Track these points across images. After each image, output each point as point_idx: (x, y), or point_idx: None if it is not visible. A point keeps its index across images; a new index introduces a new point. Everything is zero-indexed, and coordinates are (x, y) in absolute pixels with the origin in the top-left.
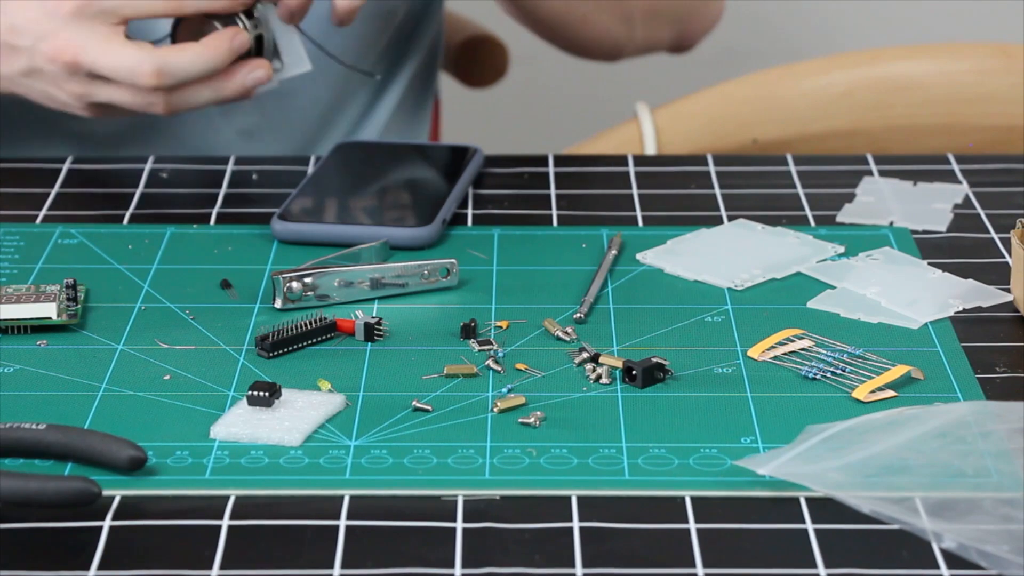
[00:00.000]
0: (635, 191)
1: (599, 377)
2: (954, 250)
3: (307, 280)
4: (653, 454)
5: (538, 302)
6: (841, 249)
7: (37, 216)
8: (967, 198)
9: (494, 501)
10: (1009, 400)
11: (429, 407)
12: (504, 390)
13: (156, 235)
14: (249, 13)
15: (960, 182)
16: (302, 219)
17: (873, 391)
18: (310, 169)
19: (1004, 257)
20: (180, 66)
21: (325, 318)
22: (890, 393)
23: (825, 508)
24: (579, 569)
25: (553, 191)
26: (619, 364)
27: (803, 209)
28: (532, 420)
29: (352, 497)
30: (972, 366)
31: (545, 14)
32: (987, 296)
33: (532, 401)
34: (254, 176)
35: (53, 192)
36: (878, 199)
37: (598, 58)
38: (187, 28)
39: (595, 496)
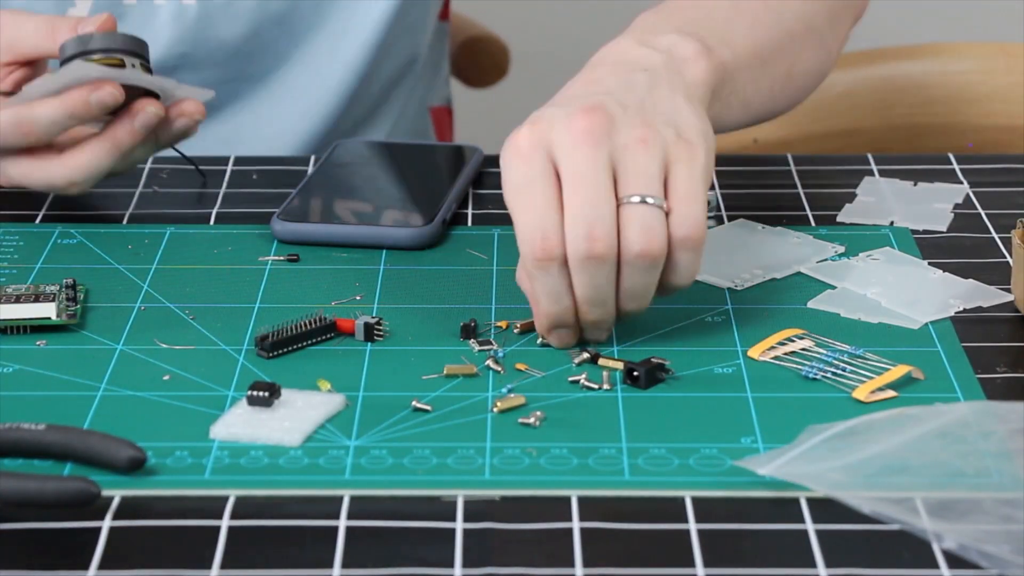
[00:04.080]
0: None
1: (599, 384)
2: (954, 250)
3: None
4: (653, 454)
5: None
6: (841, 249)
7: (36, 216)
8: (968, 198)
9: (494, 501)
10: (1010, 400)
11: (429, 407)
12: (504, 390)
13: (156, 235)
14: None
15: (961, 182)
16: (302, 219)
17: (873, 391)
18: (310, 169)
19: (1005, 257)
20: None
21: (325, 318)
22: (890, 393)
23: (825, 508)
24: (579, 569)
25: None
26: (620, 366)
27: (803, 209)
28: (532, 420)
29: (352, 497)
30: (973, 366)
31: (758, 113)
32: (988, 296)
33: (532, 401)
34: (254, 176)
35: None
36: (878, 199)
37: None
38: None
39: (595, 496)
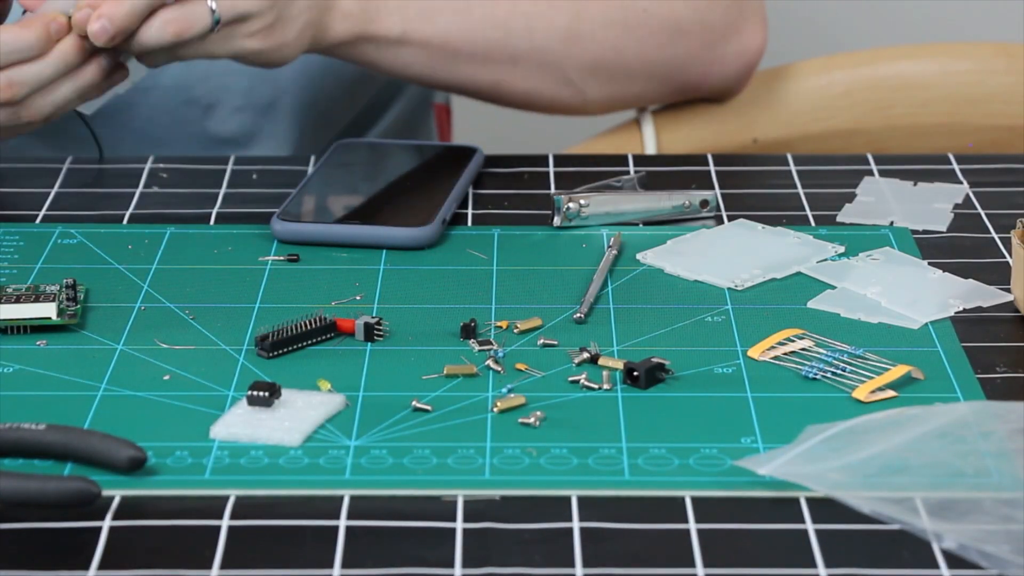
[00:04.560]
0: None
1: (599, 384)
2: (954, 250)
3: (582, 202)
4: (653, 454)
5: (538, 302)
6: (841, 249)
7: (37, 216)
8: (967, 198)
9: (494, 501)
10: (1009, 400)
11: (429, 407)
12: (504, 390)
13: (156, 235)
14: None
15: (960, 182)
16: (302, 219)
17: (873, 391)
18: (310, 169)
19: (1004, 257)
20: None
21: (325, 318)
22: (890, 393)
23: (825, 508)
24: (579, 569)
25: (553, 191)
26: (620, 366)
27: (803, 209)
28: (532, 420)
29: (352, 497)
30: (972, 366)
31: (446, 89)
32: (987, 296)
33: (532, 401)
34: (254, 176)
35: (53, 192)
36: (878, 199)
37: (556, 114)
38: None
39: (595, 496)
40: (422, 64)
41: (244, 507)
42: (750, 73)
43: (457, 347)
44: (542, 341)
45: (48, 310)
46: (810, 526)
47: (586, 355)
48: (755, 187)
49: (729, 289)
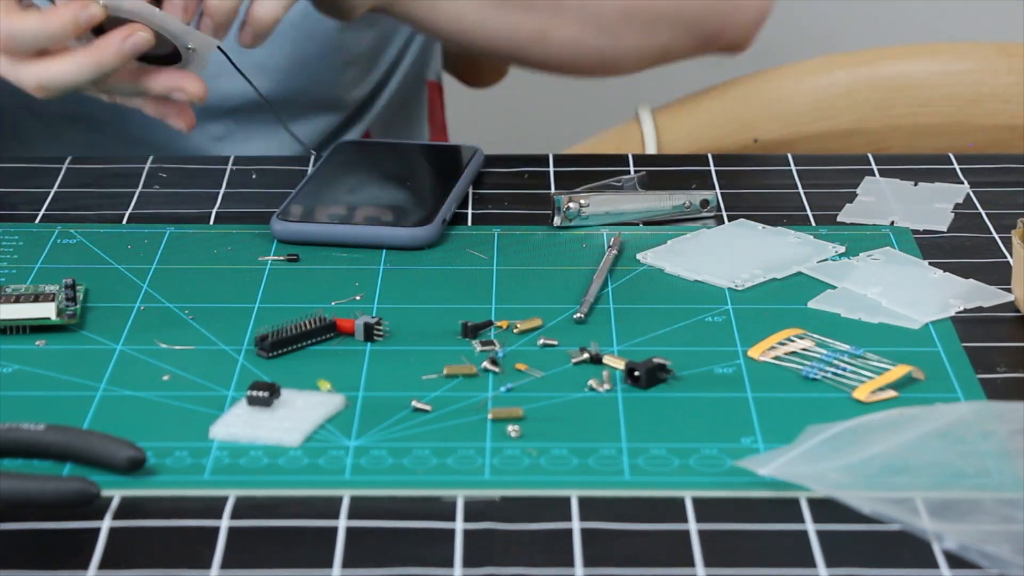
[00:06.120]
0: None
1: (601, 383)
2: (955, 250)
3: (582, 202)
4: (653, 454)
5: (538, 302)
6: (842, 249)
7: (36, 216)
8: (968, 198)
9: (494, 501)
10: (1010, 400)
11: (429, 407)
12: (503, 389)
13: (155, 235)
14: None
15: (961, 182)
16: (302, 219)
17: (874, 391)
18: (310, 169)
19: (1005, 257)
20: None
21: (325, 318)
22: (891, 393)
23: (825, 508)
24: (579, 569)
25: (553, 191)
26: (621, 365)
27: (804, 209)
28: (510, 432)
29: (352, 497)
30: (973, 366)
31: (492, 45)
32: (988, 296)
33: (532, 401)
34: (254, 176)
35: (52, 192)
36: (879, 199)
37: (591, 75)
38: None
39: (595, 496)
40: (473, 12)
41: (244, 507)
42: (761, 25)
43: (457, 347)
44: (542, 341)
45: (47, 310)
46: (810, 526)
47: (586, 355)
48: (755, 187)
49: (729, 289)
